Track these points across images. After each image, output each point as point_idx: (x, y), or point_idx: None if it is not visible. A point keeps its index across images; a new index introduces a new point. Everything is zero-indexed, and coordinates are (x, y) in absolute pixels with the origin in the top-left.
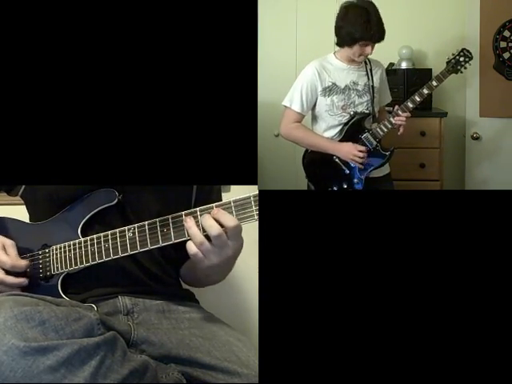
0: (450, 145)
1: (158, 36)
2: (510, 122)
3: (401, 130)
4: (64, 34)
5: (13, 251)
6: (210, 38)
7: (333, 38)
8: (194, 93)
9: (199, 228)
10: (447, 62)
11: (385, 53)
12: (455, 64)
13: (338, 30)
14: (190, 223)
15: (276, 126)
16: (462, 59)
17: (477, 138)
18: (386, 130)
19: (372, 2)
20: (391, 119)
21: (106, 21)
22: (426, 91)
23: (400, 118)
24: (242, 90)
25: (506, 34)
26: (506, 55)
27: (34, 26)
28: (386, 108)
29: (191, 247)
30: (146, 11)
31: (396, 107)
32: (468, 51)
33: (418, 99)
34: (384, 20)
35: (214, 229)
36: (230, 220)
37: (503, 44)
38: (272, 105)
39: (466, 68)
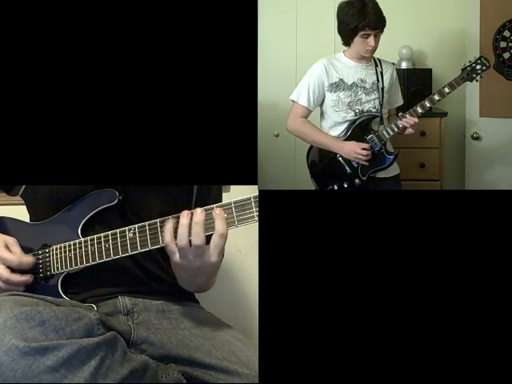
0: (450, 145)
1: (158, 37)
2: (510, 122)
3: (408, 131)
4: (64, 34)
5: (16, 248)
6: (210, 38)
7: (333, 39)
8: (194, 93)
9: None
10: (462, 69)
11: (385, 53)
12: (471, 71)
13: (338, 27)
14: (168, 224)
15: (276, 125)
16: (478, 67)
17: (477, 138)
18: (392, 133)
19: None
20: (398, 122)
21: (106, 21)
22: (437, 97)
23: (407, 121)
24: (242, 90)
25: (506, 33)
26: (506, 55)
27: (34, 26)
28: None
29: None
30: (146, 11)
31: (400, 114)
32: (486, 59)
33: (428, 105)
34: None
35: (199, 238)
36: (221, 227)
37: (503, 44)
38: (272, 105)
39: (482, 77)
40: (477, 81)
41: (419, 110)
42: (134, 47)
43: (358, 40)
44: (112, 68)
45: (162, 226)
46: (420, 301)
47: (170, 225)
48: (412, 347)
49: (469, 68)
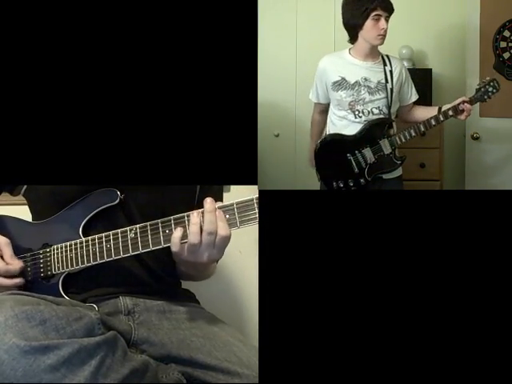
0: (450, 145)
1: (158, 37)
2: (510, 122)
3: (464, 115)
4: (64, 34)
5: (8, 251)
6: (210, 38)
7: (332, 38)
8: (194, 93)
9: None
10: (477, 90)
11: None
12: (483, 93)
13: (347, 20)
14: (195, 219)
15: (276, 126)
16: (490, 89)
17: (477, 138)
18: (404, 140)
19: None
20: (411, 131)
21: (106, 21)
22: (450, 113)
23: (466, 106)
24: (242, 90)
25: (506, 33)
26: (506, 55)
27: (35, 26)
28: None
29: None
30: (145, 12)
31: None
32: (497, 83)
33: (442, 118)
34: None
35: (213, 226)
36: (223, 229)
37: (503, 44)
38: (272, 105)
39: (490, 98)
40: (486, 101)
41: (433, 123)
42: (133, 47)
43: (368, 24)
44: (112, 67)
45: (163, 227)
46: (420, 300)
47: (179, 233)
48: (412, 347)
49: (482, 89)
